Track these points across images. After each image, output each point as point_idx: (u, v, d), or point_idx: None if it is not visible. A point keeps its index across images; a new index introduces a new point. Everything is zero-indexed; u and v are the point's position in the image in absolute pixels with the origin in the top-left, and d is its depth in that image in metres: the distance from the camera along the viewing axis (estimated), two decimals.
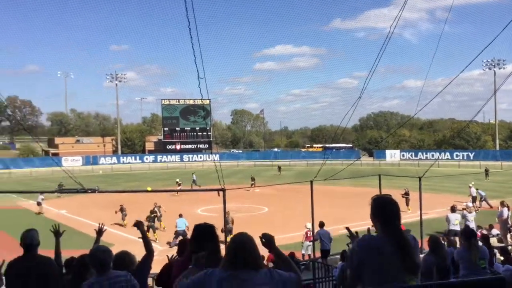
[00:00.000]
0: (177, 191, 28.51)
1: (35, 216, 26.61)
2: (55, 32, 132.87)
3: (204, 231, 3.60)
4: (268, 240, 3.18)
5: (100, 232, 5.37)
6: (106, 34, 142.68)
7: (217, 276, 2.80)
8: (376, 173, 17.01)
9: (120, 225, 22.85)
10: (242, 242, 2.89)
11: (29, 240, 4.69)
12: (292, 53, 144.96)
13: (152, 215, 21.14)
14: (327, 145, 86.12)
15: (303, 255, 16.40)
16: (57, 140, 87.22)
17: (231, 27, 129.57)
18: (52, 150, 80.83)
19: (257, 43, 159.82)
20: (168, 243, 19.37)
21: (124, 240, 18.38)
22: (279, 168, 55.67)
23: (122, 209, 23.73)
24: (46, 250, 4.98)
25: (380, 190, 15.40)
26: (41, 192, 27.99)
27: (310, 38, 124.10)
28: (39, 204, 27.77)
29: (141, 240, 4.89)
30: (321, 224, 14.97)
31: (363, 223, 15.38)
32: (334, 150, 76.21)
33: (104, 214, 23.40)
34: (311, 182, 13.56)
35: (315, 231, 14.82)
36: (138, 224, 4.94)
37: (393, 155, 73.67)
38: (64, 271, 5.29)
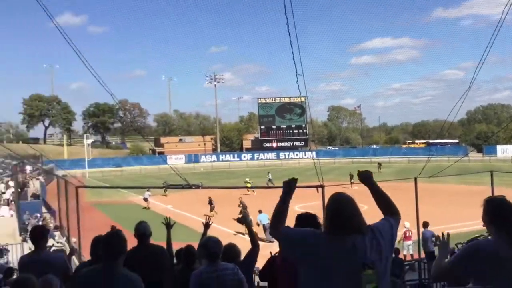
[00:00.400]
0: (273, 187, 28.85)
1: (144, 210, 28.59)
2: (159, 40, 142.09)
3: (306, 220, 3.63)
4: (365, 176, 3.05)
5: (207, 225, 5.62)
6: (205, 37, 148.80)
7: (324, 239, 2.65)
8: (487, 170, 15.82)
9: (208, 215, 23.94)
10: (340, 203, 2.72)
11: (142, 230, 5.01)
12: (390, 45, 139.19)
13: (245, 210, 21.74)
14: (431, 141, 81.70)
15: (404, 255, 15.77)
16: (163, 140, 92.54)
17: (327, 22, 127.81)
18: (158, 149, 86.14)
19: (353, 37, 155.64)
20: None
21: (221, 234, 19.08)
22: (379, 165, 53.79)
23: (210, 202, 25.02)
24: (155, 242, 5.23)
25: (492, 188, 14.28)
26: (148, 189, 30.03)
27: (410, 29, 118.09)
28: (145, 199, 29.86)
29: (238, 234, 5.06)
30: (425, 224, 13.97)
31: (473, 223, 14.42)
32: (438, 146, 72.02)
33: (206, 209, 24.58)
34: (415, 179, 12.98)
35: (420, 231, 14.10)
36: (241, 220, 5.08)
37: (505, 151, 67.90)
38: (175, 261, 5.60)
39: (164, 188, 32.55)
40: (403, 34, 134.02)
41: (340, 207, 2.68)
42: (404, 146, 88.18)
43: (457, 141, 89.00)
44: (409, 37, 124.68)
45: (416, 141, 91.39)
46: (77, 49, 7.47)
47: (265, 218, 18.88)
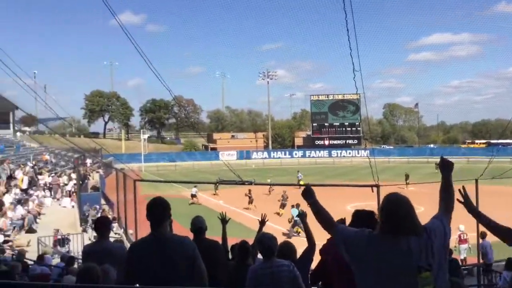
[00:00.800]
0: (335, 185, 28.47)
1: (193, 205, 28.97)
2: (214, 37, 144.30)
3: (363, 217, 3.58)
4: (447, 166, 3.02)
5: (263, 222, 5.67)
6: (260, 34, 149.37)
7: (377, 240, 2.62)
8: None
9: (246, 208, 24.57)
10: (395, 203, 2.65)
11: (199, 224, 5.11)
12: (450, 41, 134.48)
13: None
14: (492, 141, 77.78)
15: (461, 260, 15.17)
16: (215, 136, 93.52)
17: (384, 18, 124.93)
18: (211, 145, 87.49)
19: (411, 33, 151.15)
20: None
21: (273, 232, 19.13)
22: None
23: (249, 195, 25.71)
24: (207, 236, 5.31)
25: None
26: (195, 185, 30.51)
27: (472, 24, 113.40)
28: (193, 196, 30.39)
29: (285, 230, 5.05)
30: (483, 235, 13.10)
31: None
32: (500, 146, 68.43)
33: (258, 206, 24.75)
34: (476, 180, 12.43)
35: (479, 241, 13.45)
36: (301, 215, 5.11)
37: None
38: (230, 256, 5.67)
39: (215, 186, 33.11)
40: (463, 30, 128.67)
41: (395, 208, 2.63)
42: (463, 146, 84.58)
43: None
44: (469, 32, 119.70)
45: (476, 141, 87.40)
46: (138, 47, 7.74)
47: (296, 212, 18.90)
